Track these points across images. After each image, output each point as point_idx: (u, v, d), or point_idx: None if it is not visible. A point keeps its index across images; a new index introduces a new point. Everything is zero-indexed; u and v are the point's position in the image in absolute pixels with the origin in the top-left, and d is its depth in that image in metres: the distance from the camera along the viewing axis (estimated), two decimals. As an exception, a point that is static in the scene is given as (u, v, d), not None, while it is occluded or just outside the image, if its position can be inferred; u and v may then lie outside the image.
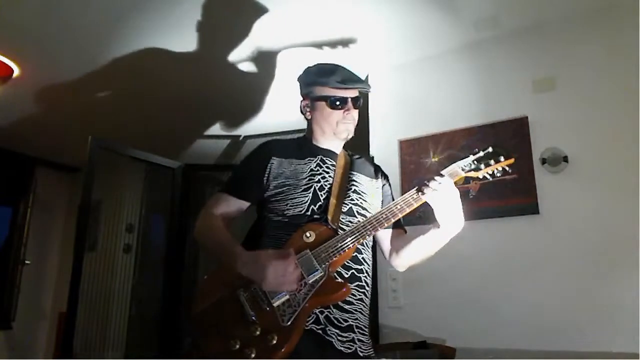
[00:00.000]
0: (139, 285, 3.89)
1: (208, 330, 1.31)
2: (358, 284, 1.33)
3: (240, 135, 3.73)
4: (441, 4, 2.15)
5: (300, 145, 1.51)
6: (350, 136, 1.49)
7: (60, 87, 2.92)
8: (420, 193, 1.27)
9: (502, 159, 1.30)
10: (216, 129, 3.63)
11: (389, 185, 1.58)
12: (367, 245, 1.41)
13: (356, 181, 1.46)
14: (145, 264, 3.97)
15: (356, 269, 1.33)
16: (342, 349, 1.26)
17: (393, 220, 1.29)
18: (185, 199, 3.62)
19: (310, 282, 1.22)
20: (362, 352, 1.30)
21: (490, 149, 1.30)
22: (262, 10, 2.19)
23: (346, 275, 1.31)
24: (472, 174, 1.31)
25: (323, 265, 1.24)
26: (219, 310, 1.30)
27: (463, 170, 1.30)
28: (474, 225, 2.19)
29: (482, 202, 2.22)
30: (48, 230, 4.48)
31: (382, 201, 1.51)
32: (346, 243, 1.25)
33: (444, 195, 1.25)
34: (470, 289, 2.15)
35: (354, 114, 1.47)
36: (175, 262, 3.47)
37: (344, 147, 1.54)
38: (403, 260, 1.45)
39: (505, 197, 2.18)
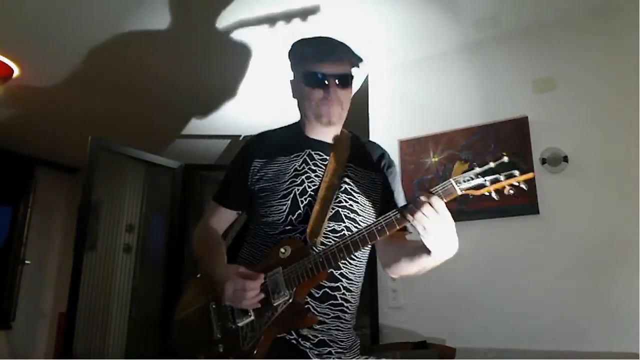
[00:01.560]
0: (139, 285, 3.90)
1: (181, 341, 1.30)
2: (332, 303, 1.20)
3: (240, 135, 3.73)
4: (441, 4, 2.15)
5: (290, 137, 1.34)
6: (334, 121, 1.28)
7: (60, 87, 2.92)
8: (402, 217, 1.05)
9: (517, 173, 1.02)
10: (216, 129, 3.62)
11: (395, 175, 1.38)
12: (351, 257, 1.23)
13: (350, 176, 1.28)
14: (145, 264, 3.97)
15: (330, 287, 1.19)
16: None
17: (371, 243, 1.11)
18: (185, 199, 3.63)
19: (275, 304, 1.12)
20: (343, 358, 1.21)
21: (504, 159, 1.01)
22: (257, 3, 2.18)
23: (317, 295, 1.18)
24: (473, 192, 1.06)
25: (290, 290, 1.12)
26: (193, 322, 1.27)
27: (461, 188, 1.06)
28: (474, 225, 2.21)
29: (482, 202, 2.21)
30: (48, 230, 4.48)
31: (381, 198, 1.32)
32: (317, 266, 1.10)
33: (432, 222, 1.02)
34: (470, 289, 2.15)
35: (341, 94, 1.25)
36: (175, 262, 3.47)
37: (349, 131, 1.35)
38: (392, 273, 1.30)
39: (505, 197, 2.17)
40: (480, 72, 2.41)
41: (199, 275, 1.38)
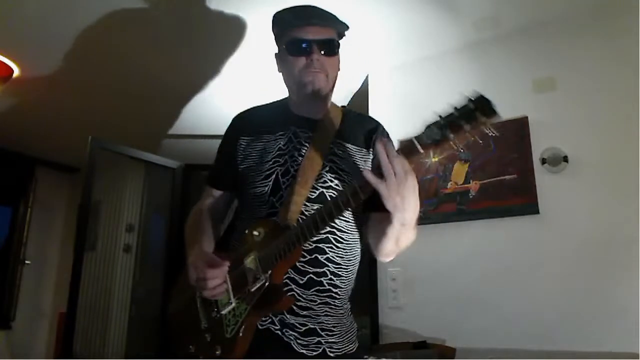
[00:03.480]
0: (139, 285, 3.90)
1: (175, 334, 1.29)
2: (318, 289, 1.14)
3: (240, 135, 3.73)
4: (441, 4, 2.15)
5: (277, 113, 1.29)
6: (321, 89, 1.19)
7: (60, 87, 2.92)
8: (364, 181, 0.95)
9: (481, 117, 0.90)
10: (216, 129, 3.62)
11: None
12: (338, 241, 1.17)
13: (337, 155, 1.20)
14: (145, 264, 3.98)
15: (315, 273, 1.14)
16: (304, 351, 1.12)
17: (338, 215, 1.00)
18: (185, 199, 3.63)
19: (252, 289, 1.08)
20: (332, 352, 1.15)
21: (468, 102, 0.91)
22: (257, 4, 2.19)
23: (301, 282, 1.13)
24: (435, 147, 0.95)
25: (265, 273, 1.08)
26: (183, 315, 1.25)
27: (422, 143, 0.96)
28: (474, 225, 2.21)
29: (482, 202, 2.21)
30: (48, 230, 4.48)
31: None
32: (288, 245, 1.05)
33: (393, 182, 0.93)
34: (470, 289, 2.15)
35: (325, 61, 1.18)
36: (175, 262, 3.47)
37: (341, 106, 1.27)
38: (381, 256, 1.20)
39: (505, 197, 2.17)
40: (480, 72, 2.41)
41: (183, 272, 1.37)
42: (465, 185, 2.27)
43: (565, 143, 2.11)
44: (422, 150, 0.95)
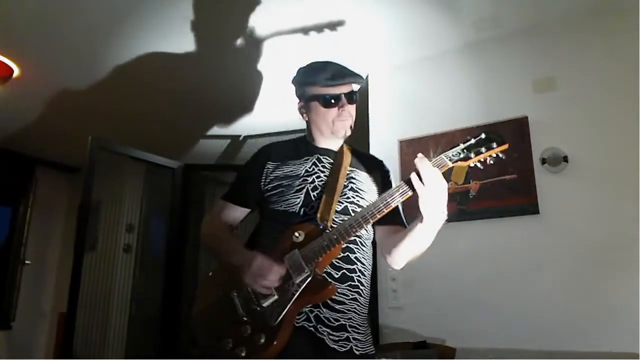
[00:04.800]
0: (139, 285, 3.89)
1: (204, 330, 1.36)
2: (350, 284, 1.32)
3: (240, 135, 3.73)
4: (441, 4, 2.15)
5: (298, 146, 1.50)
6: (348, 133, 1.46)
7: (60, 87, 2.92)
8: (407, 187, 1.19)
9: (494, 145, 1.19)
10: (216, 129, 3.63)
11: (389, 181, 1.52)
12: (362, 244, 1.38)
13: (355, 178, 1.43)
14: (145, 264, 3.97)
15: (347, 269, 1.32)
16: (335, 347, 1.26)
17: (379, 216, 1.22)
18: (185, 199, 3.63)
19: (297, 281, 1.22)
20: (358, 350, 1.29)
21: (482, 136, 1.20)
22: (255, 4, 2.18)
23: (336, 276, 1.30)
24: (461, 163, 1.21)
25: (310, 265, 1.23)
26: (214, 311, 1.35)
27: (451, 160, 1.19)
28: (474, 225, 2.21)
29: (482, 202, 2.21)
30: (48, 230, 4.48)
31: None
32: (331, 242, 1.22)
33: (431, 187, 1.14)
34: (470, 289, 2.15)
35: (350, 109, 1.44)
36: (175, 262, 3.47)
37: (346, 143, 1.51)
38: (395, 259, 1.38)
39: (505, 197, 2.18)
40: (480, 72, 2.41)
41: (210, 274, 1.47)
42: (465, 185, 2.27)
43: (565, 143, 2.11)
44: (451, 165, 1.18)
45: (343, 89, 1.42)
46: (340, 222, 1.31)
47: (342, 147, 1.51)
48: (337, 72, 1.43)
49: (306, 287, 1.22)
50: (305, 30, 2.35)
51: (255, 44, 2.47)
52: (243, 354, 1.21)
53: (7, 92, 2.91)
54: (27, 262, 4.17)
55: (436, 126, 2.43)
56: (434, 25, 2.31)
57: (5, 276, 4.06)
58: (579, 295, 1.95)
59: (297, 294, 1.22)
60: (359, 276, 1.34)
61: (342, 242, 1.23)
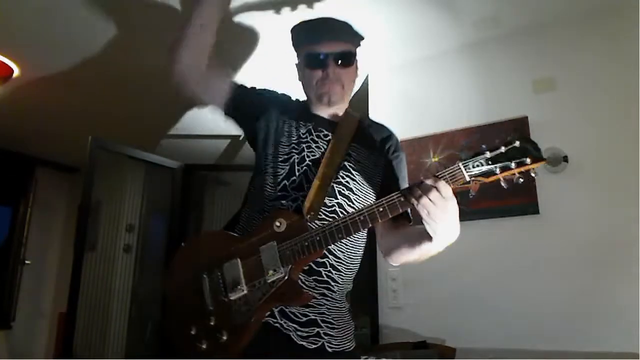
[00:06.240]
0: (139, 285, 3.90)
1: (172, 312, 1.27)
2: (316, 278, 1.17)
3: (240, 135, 3.73)
4: (441, 4, 2.15)
5: (300, 108, 1.37)
6: (335, 100, 1.29)
7: (60, 87, 2.91)
8: (405, 200, 1.02)
9: (528, 161, 0.95)
10: (216, 129, 3.62)
11: (401, 160, 1.36)
12: None
13: (352, 155, 1.26)
14: (145, 264, 3.97)
15: (314, 262, 1.17)
16: (304, 343, 1.13)
17: (371, 225, 1.07)
18: (185, 199, 3.63)
19: (269, 281, 1.10)
20: (331, 347, 1.16)
21: (516, 144, 0.95)
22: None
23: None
24: (481, 179, 1.00)
25: (285, 266, 1.10)
26: (183, 292, 1.23)
27: (469, 172, 1.00)
28: (474, 225, 2.21)
29: (482, 202, 2.21)
30: (48, 230, 4.48)
31: (383, 181, 1.29)
32: (313, 245, 1.08)
33: (437, 208, 1.00)
34: (470, 289, 2.15)
35: (340, 72, 1.27)
36: (175, 262, 3.47)
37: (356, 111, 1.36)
38: (394, 261, 1.28)
39: (505, 197, 2.17)
40: (480, 72, 2.41)
41: (183, 244, 1.34)
42: (465, 185, 2.27)
43: (565, 143, 2.11)
44: (467, 179, 1.01)
45: (332, 48, 1.26)
46: (329, 214, 1.17)
47: (343, 116, 1.33)
48: (326, 27, 1.28)
49: (277, 289, 1.10)
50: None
51: (255, 44, 2.47)
52: (203, 347, 1.13)
53: (7, 92, 2.91)
54: (27, 262, 4.17)
55: (436, 126, 2.43)
56: (434, 25, 2.31)
57: (5, 276, 4.06)
58: (579, 295, 1.95)
59: (268, 295, 1.10)
60: (328, 271, 1.19)
61: (324, 247, 1.09)
